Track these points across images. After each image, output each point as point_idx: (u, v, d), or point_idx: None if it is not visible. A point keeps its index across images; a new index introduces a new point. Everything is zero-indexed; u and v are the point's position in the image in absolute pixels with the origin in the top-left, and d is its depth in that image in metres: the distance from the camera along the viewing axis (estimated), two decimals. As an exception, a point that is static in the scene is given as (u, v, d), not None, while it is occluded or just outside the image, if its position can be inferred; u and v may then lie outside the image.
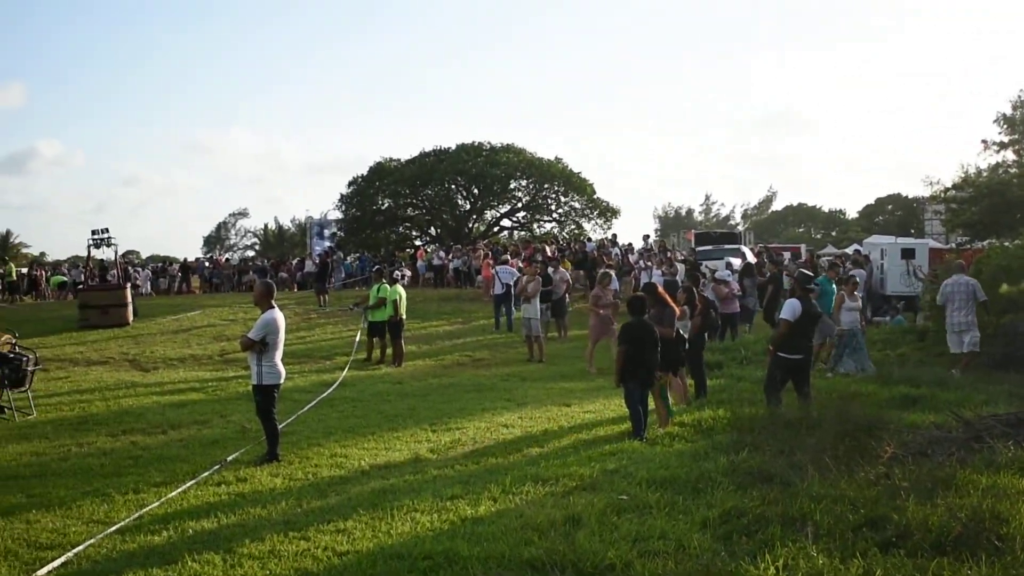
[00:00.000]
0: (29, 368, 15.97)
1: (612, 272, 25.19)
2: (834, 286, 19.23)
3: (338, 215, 62.28)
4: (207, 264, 54.08)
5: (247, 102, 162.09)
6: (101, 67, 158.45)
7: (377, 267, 26.67)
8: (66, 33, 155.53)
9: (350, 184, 61.25)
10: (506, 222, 63.68)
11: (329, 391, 17.37)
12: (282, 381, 11.73)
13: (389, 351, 22.81)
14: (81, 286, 37.81)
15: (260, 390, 11.53)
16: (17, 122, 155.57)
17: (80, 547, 8.27)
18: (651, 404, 13.22)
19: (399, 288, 22.98)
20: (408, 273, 41.17)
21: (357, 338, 23.57)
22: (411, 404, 16.37)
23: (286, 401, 13.45)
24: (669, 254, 34.18)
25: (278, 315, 11.58)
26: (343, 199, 60.89)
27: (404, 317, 23.00)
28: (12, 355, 15.79)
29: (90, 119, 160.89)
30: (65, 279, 48.49)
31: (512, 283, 28.91)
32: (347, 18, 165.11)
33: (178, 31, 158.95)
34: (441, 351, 24.90)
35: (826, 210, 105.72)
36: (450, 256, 44.57)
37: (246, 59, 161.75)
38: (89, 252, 35.20)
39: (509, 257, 33.92)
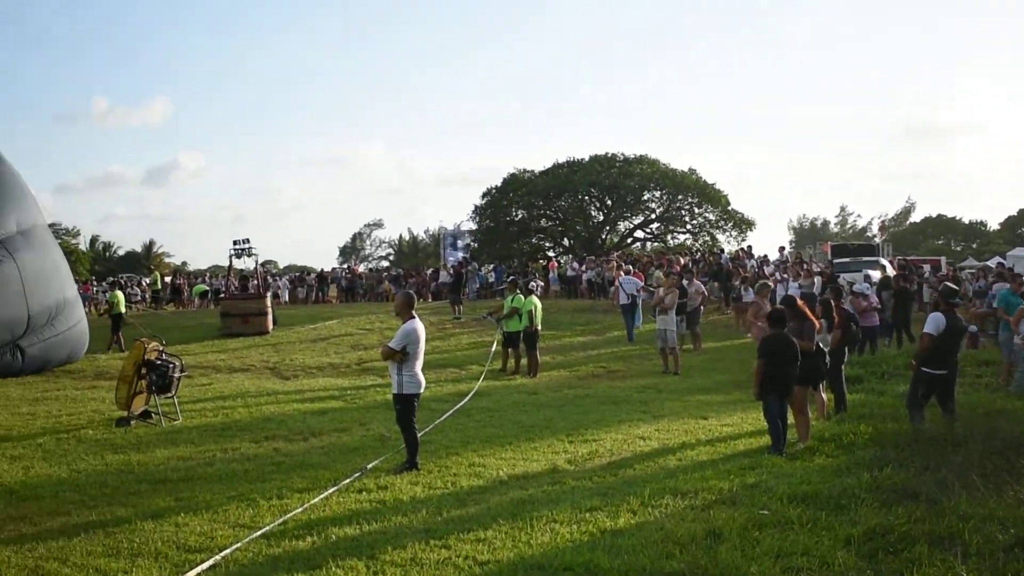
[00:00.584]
0: (175, 375, 16.39)
1: (771, 283, 24.84)
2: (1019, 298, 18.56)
3: (471, 226, 62.76)
4: (343, 274, 54.93)
5: (385, 116, 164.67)
6: (242, 82, 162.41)
7: (512, 278, 26.76)
8: (207, 50, 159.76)
9: (484, 195, 61.72)
10: (639, 233, 63.46)
11: (464, 401, 17.45)
12: (422, 391, 11.84)
13: (524, 361, 22.88)
14: (223, 295, 38.76)
15: (401, 399, 11.66)
16: (161, 136, 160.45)
17: (227, 551, 8.44)
18: (791, 418, 13.04)
19: (534, 299, 23.01)
20: (541, 284, 41.26)
21: (493, 348, 23.68)
22: (547, 415, 16.38)
23: (423, 410, 13.57)
24: (806, 266, 33.64)
25: (419, 325, 11.69)
26: (477, 210, 61.35)
27: (540, 328, 23.04)
28: (160, 362, 16.22)
29: (231, 133, 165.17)
30: (206, 288, 49.75)
31: (636, 293, 28.82)
32: (481, 32, 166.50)
33: (316, 47, 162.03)
34: (575, 362, 24.88)
35: (966, 221, 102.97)
36: (583, 267, 44.51)
37: (384, 73, 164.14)
38: (231, 262, 36.10)
39: (632, 268, 33.81)
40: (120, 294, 32.35)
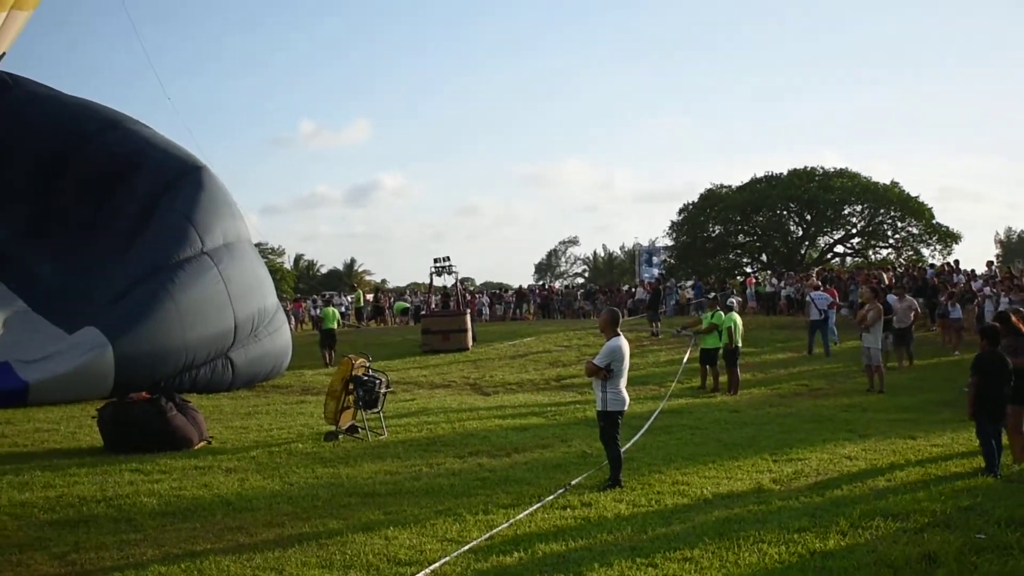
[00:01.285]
0: (381, 391, 16.72)
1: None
2: None
3: (667, 242, 62.49)
4: (539, 291, 55.34)
5: (583, 133, 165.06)
6: (441, 103, 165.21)
7: (712, 294, 26.51)
8: (407, 73, 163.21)
9: (681, 211, 61.46)
10: (840, 248, 62.11)
11: (652, 418, 17.29)
12: (626, 408, 11.81)
13: (723, 379, 22.64)
14: (423, 312, 39.49)
15: (605, 416, 11.67)
16: (362, 156, 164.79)
17: (436, 564, 8.55)
18: (1005, 439, 12.56)
19: (734, 316, 22.75)
20: (738, 299, 40.78)
21: (683, 362, 23.50)
22: (750, 433, 16.16)
23: (625, 427, 13.53)
24: (1016, 280, 32.30)
25: (623, 342, 11.68)
26: (673, 226, 61.11)
27: (740, 345, 22.76)
28: (367, 378, 16.59)
29: (430, 152, 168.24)
30: (407, 305, 50.80)
31: (827, 308, 28.23)
32: (678, 45, 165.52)
33: (516, 69, 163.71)
34: (776, 379, 24.49)
35: None
36: (782, 283, 43.81)
37: (585, 93, 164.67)
38: (431, 279, 36.78)
39: (821, 283, 33.15)
40: (332, 310, 33.37)
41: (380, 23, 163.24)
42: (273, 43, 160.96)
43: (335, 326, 32.75)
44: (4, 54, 30.92)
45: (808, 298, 30.13)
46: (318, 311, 39.82)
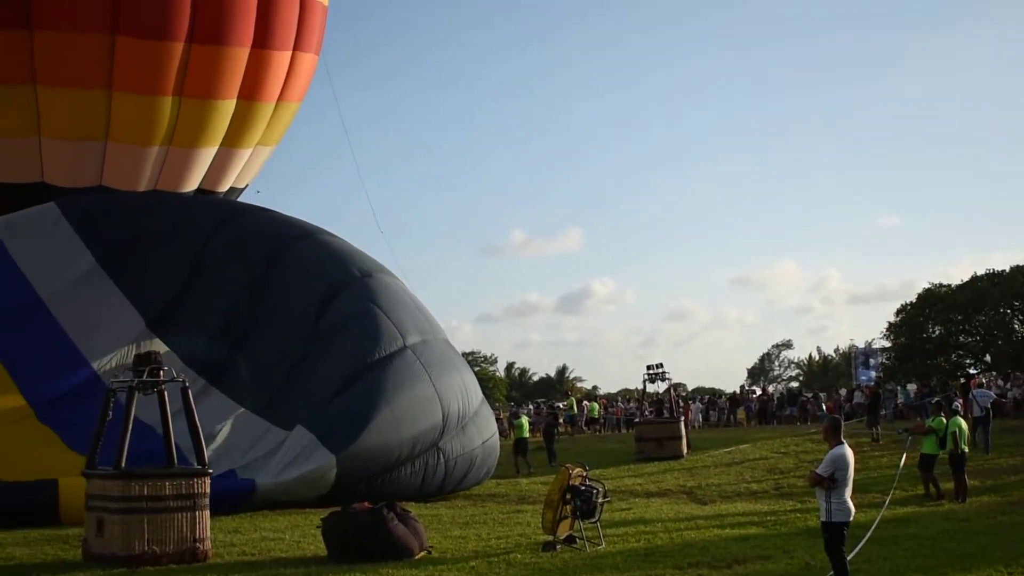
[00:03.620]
0: (598, 500, 16.73)
1: None
2: None
3: (885, 344, 60.91)
4: (754, 396, 54.57)
5: (796, 235, 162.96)
6: (651, 208, 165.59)
7: (936, 399, 25.75)
8: (617, 180, 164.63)
9: (898, 312, 59.83)
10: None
11: (873, 525, 16.74)
12: (851, 518, 11.57)
13: (949, 486, 21.85)
14: (637, 419, 39.43)
15: (829, 527, 11.44)
16: (575, 264, 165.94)
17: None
18: None
19: (959, 420, 21.99)
20: (960, 402, 39.40)
21: (899, 465, 22.75)
22: (982, 543, 15.51)
23: (849, 536, 13.19)
24: None
25: (847, 451, 11.48)
26: (891, 327, 59.54)
27: (966, 450, 21.96)
28: (583, 487, 16.63)
29: (640, 257, 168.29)
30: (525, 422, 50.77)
31: (989, 406, 27.26)
32: (887, 148, 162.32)
33: (726, 172, 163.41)
34: (1007, 486, 23.45)
35: None
36: (1008, 385, 42.10)
37: (793, 191, 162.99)
38: (644, 386, 36.81)
39: (984, 380, 32.03)
40: (525, 420, 33.83)
41: (595, 133, 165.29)
42: (485, 157, 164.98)
43: (526, 435, 33.16)
44: (246, 186, 33.02)
45: (970, 396, 29.51)
46: (514, 420, 40.40)
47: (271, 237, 26.68)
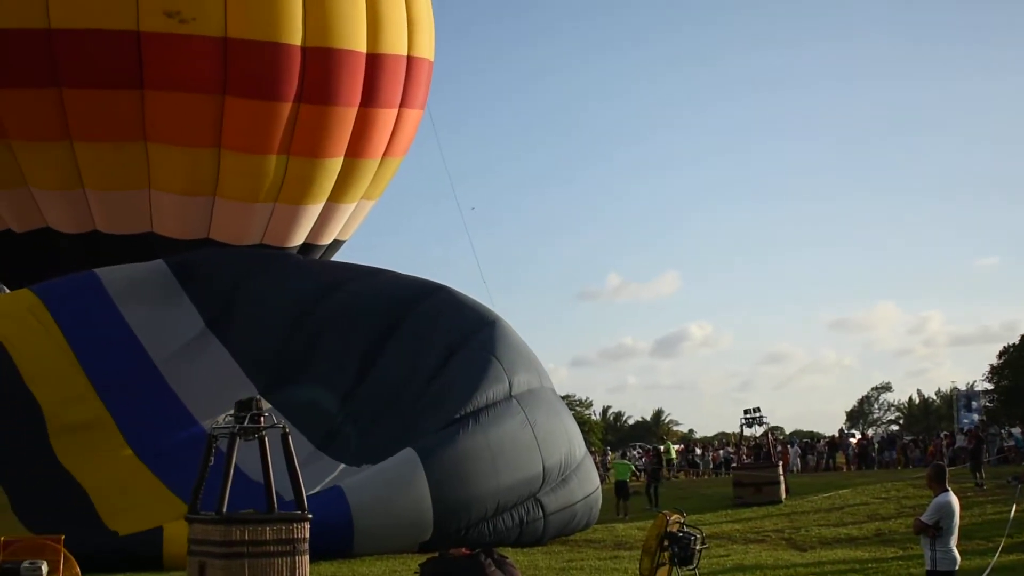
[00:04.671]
0: (697, 547, 16.58)
1: None
2: None
3: (987, 386, 59.74)
4: (853, 440, 53.79)
5: (895, 277, 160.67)
6: (750, 251, 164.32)
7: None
8: (713, 227, 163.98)
9: (1001, 354, 58.70)
10: None
11: (986, 573, 16.43)
12: (956, 567, 11.36)
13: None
14: (734, 464, 39.12)
15: (934, 576, 11.29)
16: (671, 308, 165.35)
17: None
18: None
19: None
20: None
21: (1011, 512, 22.22)
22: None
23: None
24: None
25: (952, 498, 11.29)
26: (993, 369, 58.39)
27: (1078, 496, 21.45)
28: (681, 534, 16.51)
29: (737, 301, 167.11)
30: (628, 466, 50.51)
31: None
32: (989, 189, 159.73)
33: (822, 214, 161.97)
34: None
35: None
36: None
37: (892, 231, 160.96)
38: (741, 430, 36.50)
39: None
40: (624, 463, 33.83)
41: (692, 180, 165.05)
42: (583, 203, 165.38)
43: (627, 478, 33.20)
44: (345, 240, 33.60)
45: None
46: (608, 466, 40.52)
47: (388, 300, 26.98)
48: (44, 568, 13.14)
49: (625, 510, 32.07)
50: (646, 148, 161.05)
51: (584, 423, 72.86)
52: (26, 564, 13.09)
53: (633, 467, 39.71)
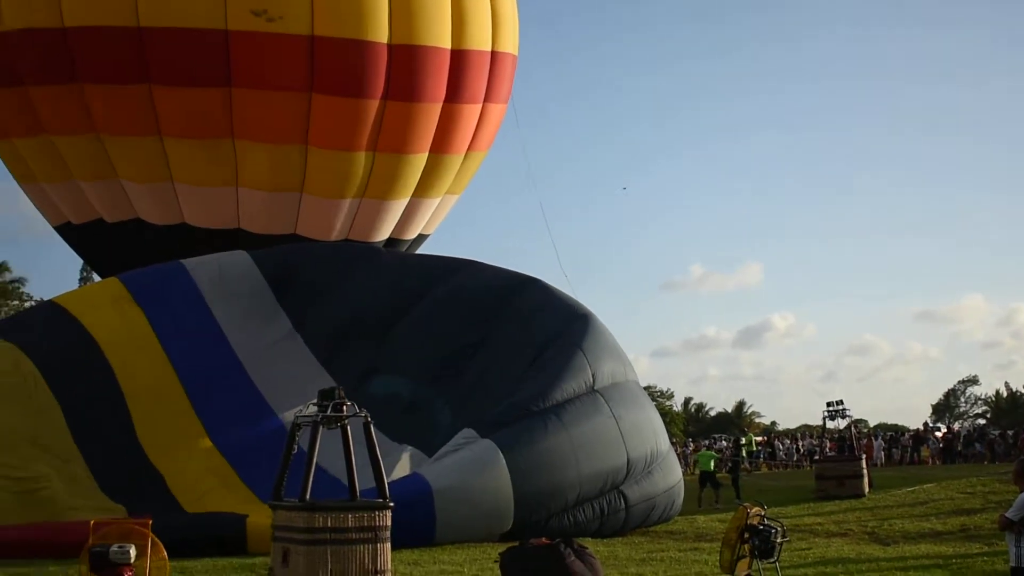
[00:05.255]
0: (777, 540, 16.54)
1: None
2: None
3: (1078, 380, 58.81)
4: (939, 433, 53.14)
5: (984, 269, 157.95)
6: (832, 243, 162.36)
7: None
8: (797, 216, 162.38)
9: (1091, 347, 57.83)
10: None
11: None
12: (1042, 564, 11.30)
13: None
14: (817, 457, 38.84)
15: (1019, 573, 11.18)
16: (754, 299, 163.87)
17: None
18: None
19: None
20: None
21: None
22: None
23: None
24: None
25: (1036, 493, 11.23)
26: (1084, 362, 57.55)
27: None
28: (762, 527, 16.51)
29: (821, 292, 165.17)
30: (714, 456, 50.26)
31: None
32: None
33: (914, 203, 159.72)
34: None
35: None
36: None
37: (985, 228, 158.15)
38: (824, 423, 36.19)
39: None
40: (709, 453, 33.85)
41: (777, 168, 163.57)
42: (667, 193, 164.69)
43: (711, 468, 33.49)
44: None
45: None
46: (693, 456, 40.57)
47: (483, 293, 27.16)
48: (132, 552, 13.43)
49: (715, 498, 32.09)
50: (729, 138, 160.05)
51: (665, 414, 72.70)
52: (115, 548, 13.34)
53: (718, 457, 39.49)
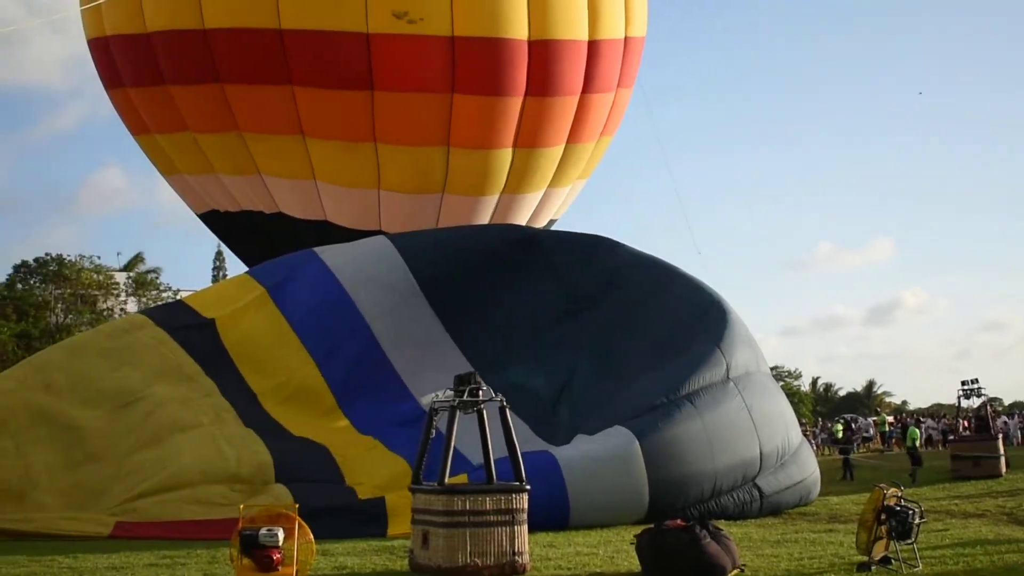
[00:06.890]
0: (915, 521, 16.51)
1: None
2: None
3: None
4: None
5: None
6: (963, 216, 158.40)
7: None
8: (927, 190, 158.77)
9: None
10: None
11: None
12: None
13: None
14: (952, 437, 38.33)
15: None
16: (884, 275, 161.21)
17: None
18: None
19: None
20: None
21: None
22: None
23: None
24: None
25: None
26: None
27: None
28: (899, 508, 16.50)
29: (955, 266, 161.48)
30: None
31: None
32: None
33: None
34: None
35: None
36: None
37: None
38: (959, 402, 35.68)
39: None
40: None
41: (905, 141, 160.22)
42: (793, 170, 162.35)
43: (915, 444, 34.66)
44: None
45: None
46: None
47: (629, 283, 27.14)
48: (280, 535, 14.05)
49: (913, 476, 32.18)
50: (855, 113, 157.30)
51: (793, 394, 72.06)
52: (264, 531, 13.96)
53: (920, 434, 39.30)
